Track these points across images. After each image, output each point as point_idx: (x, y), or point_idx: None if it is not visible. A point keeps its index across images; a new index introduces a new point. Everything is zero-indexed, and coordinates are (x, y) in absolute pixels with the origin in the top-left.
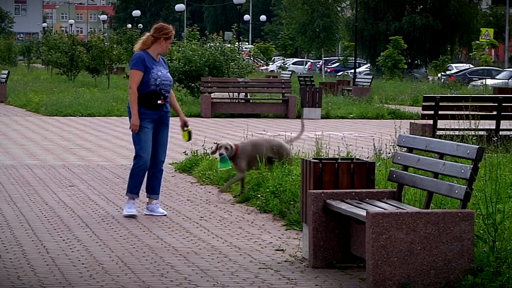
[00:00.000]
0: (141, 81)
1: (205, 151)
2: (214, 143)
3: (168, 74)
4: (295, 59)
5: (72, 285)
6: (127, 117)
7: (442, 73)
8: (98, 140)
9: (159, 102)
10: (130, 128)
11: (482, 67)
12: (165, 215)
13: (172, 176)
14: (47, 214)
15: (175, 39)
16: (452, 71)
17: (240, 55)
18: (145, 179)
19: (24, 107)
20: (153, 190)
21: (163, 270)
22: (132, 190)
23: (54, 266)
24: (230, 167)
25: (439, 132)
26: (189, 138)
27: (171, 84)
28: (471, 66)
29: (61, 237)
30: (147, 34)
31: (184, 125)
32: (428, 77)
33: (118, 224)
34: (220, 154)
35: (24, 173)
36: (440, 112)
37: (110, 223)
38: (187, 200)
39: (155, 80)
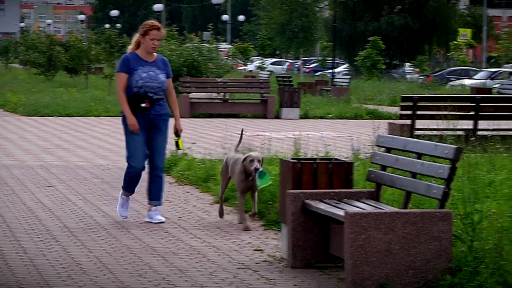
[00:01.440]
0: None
1: (183, 151)
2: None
3: (161, 75)
4: (274, 59)
5: (50, 285)
6: (105, 117)
7: (421, 75)
8: (76, 140)
9: (142, 105)
10: (125, 132)
11: (460, 67)
12: (162, 222)
13: None
14: (25, 215)
15: None
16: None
17: (218, 54)
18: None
19: (2, 107)
20: (151, 196)
21: (141, 270)
22: (127, 189)
23: (32, 267)
24: (271, 182)
25: (417, 132)
26: (178, 146)
27: (160, 85)
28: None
29: (39, 237)
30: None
31: (176, 133)
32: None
33: (96, 224)
34: (256, 169)
35: (2, 173)
36: (418, 112)
37: (88, 223)
38: (166, 200)
39: (136, 82)
